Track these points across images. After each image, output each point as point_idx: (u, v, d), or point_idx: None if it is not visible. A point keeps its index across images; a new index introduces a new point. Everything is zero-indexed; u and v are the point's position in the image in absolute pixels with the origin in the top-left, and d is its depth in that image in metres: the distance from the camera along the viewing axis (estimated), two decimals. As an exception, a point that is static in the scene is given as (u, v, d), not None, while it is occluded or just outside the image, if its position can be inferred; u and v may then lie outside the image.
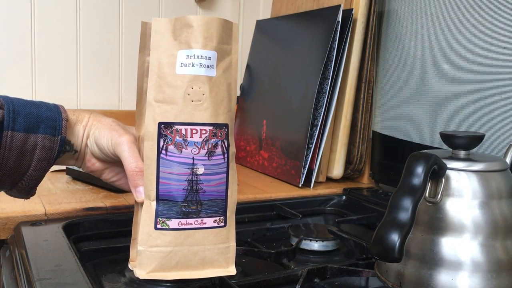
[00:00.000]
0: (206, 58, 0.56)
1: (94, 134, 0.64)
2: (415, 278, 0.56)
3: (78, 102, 1.53)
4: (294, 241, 0.79)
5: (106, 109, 1.52)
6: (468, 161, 0.58)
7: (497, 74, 0.83)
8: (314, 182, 1.06)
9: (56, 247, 0.69)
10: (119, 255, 0.72)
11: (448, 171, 0.56)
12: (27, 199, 0.66)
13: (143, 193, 0.58)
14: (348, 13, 1.05)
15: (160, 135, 0.55)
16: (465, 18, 0.88)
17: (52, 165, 0.63)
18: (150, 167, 0.56)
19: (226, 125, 0.57)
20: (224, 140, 0.57)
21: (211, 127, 0.56)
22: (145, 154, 0.57)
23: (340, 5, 1.05)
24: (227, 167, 0.57)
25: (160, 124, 0.55)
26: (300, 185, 1.05)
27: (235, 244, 0.59)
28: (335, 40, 1.04)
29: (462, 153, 0.60)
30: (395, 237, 0.51)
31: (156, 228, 0.56)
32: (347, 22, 1.05)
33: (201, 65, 0.55)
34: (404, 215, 0.51)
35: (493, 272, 0.54)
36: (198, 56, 0.55)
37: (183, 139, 0.55)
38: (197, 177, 0.55)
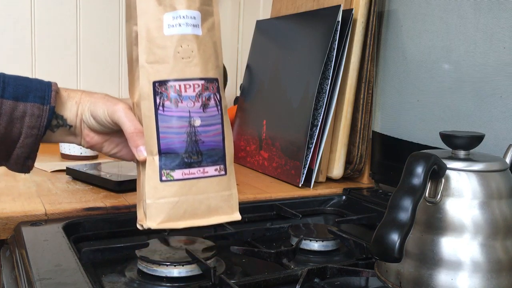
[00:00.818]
0: (191, 17, 0.59)
1: (90, 108, 0.66)
2: (415, 278, 0.56)
3: (78, 102, 1.53)
4: (294, 241, 0.79)
5: (106, 109, 1.52)
6: (468, 161, 0.58)
7: (497, 74, 0.83)
8: (314, 182, 1.06)
9: (56, 247, 0.69)
10: (119, 255, 0.72)
11: (448, 171, 0.56)
12: (26, 173, 0.68)
13: (145, 152, 0.60)
14: (348, 13, 1.05)
15: (155, 93, 0.58)
16: (466, 18, 0.88)
17: (44, 134, 0.64)
18: (149, 124, 0.59)
19: (216, 80, 0.60)
20: (216, 94, 0.60)
21: (202, 82, 0.59)
22: (143, 113, 0.59)
23: (340, 5, 1.05)
24: (222, 118, 0.60)
25: (154, 83, 0.58)
26: (300, 185, 1.05)
27: (236, 191, 0.62)
28: (335, 40, 1.04)
29: (462, 153, 0.60)
30: (395, 237, 0.51)
31: (161, 180, 0.59)
32: (347, 22, 1.05)
33: (187, 25, 0.58)
34: (404, 215, 0.51)
35: (493, 272, 0.54)
36: (183, 16, 0.58)
37: (178, 94, 0.58)
38: (195, 129, 0.58)
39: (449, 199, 0.56)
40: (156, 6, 0.58)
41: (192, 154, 0.59)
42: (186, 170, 0.59)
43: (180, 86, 0.58)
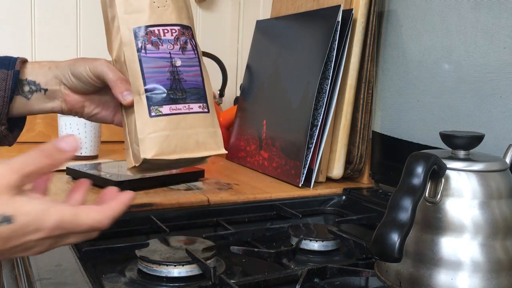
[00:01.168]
0: None
1: (70, 68, 0.67)
2: (414, 278, 0.56)
3: (78, 102, 1.53)
4: (294, 241, 0.79)
5: (106, 109, 1.52)
6: (468, 161, 0.58)
7: (497, 74, 0.83)
8: (314, 182, 1.06)
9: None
10: (119, 255, 0.72)
11: (448, 171, 0.57)
12: (9, 145, 0.70)
13: (130, 95, 0.63)
14: (348, 13, 1.05)
15: (136, 39, 0.62)
16: (466, 18, 0.88)
17: (11, 97, 0.65)
18: (133, 67, 0.62)
19: (190, 28, 0.65)
20: (192, 39, 0.65)
21: (179, 27, 0.63)
22: (127, 58, 0.63)
23: (340, 5, 1.05)
24: (199, 61, 0.65)
25: (135, 29, 0.62)
26: (300, 185, 1.05)
27: (220, 130, 0.66)
28: (335, 40, 1.04)
29: (462, 153, 0.60)
30: (395, 237, 0.51)
31: (151, 116, 0.62)
32: (347, 22, 1.05)
33: None
34: (404, 215, 0.51)
35: (493, 272, 0.54)
36: None
37: (158, 38, 0.62)
38: (176, 68, 0.63)
39: (449, 199, 0.56)
40: None
41: (177, 91, 0.63)
42: (173, 106, 0.62)
43: (159, 30, 0.62)
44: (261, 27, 1.36)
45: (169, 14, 0.63)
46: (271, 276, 0.65)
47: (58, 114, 1.27)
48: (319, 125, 1.05)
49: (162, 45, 0.62)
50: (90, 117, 0.71)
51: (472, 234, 0.55)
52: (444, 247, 0.55)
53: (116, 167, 1.08)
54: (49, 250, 0.47)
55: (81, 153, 1.24)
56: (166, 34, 0.62)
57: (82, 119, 1.24)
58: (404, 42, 1.02)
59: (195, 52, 0.64)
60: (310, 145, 1.05)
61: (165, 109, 0.62)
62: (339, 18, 1.05)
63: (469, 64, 0.88)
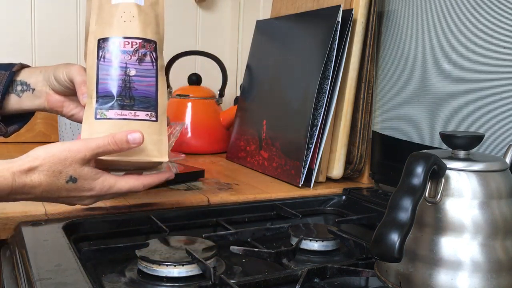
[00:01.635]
0: None
1: (53, 72, 0.77)
2: (415, 278, 0.56)
3: (78, 102, 1.53)
4: (294, 241, 0.79)
5: (106, 109, 1.52)
6: (468, 161, 0.58)
7: (497, 74, 0.83)
8: (314, 182, 1.06)
9: (56, 247, 0.69)
10: (119, 255, 0.72)
11: (448, 171, 0.57)
12: (4, 137, 0.81)
13: (86, 98, 0.70)
14: (348, 13, 1.05)
15: (99, 48, 0.68)
16: (466, 18, 0.88)
17: (4, 93, 0.77)
18: (91, 73, 0.68)
19: (154, 42, 0.70)
20: (153, 52, 0.69)
21: (140, 40, 0.68)
22: (88, 65, 0.69)
23: (340, 5, 1.05)
24: (156, 73, 0.69)
25: (99, 40, 0.68)
26: (300, 185, 1.05)
27: (166, 139, 0.69)
28: (335, 40, 1.04)
29: (462, 153, 0.60)
30: (395, 237, 0.51)
31: (96, 118, 0.67)
32: (347, 22, 1.05)
33: None
34: (404, 215, 0.51)
35: (493, 272, 0.54)
36: None
37: (118, 49, 0.68)
38: (129, 78, 0.67)
39: (449, 199, 0.56)
40: None
41: (125, 98, 0.67)
42: (119, 111, 0.67)
43: (120, 42, 0.68)
44: (261, 27, 1.36)
45: (133, 28, 0.68)
46: (271, 276, 0.65)
47: (58, 115, 1.27)
48: (319, 125, 1.05)
49: (120, 56, 0.67)
50: (69, 117, 0.81)
51: (472, 234, 0.55)
52: (444, 247, 0.55)
53: (116, 167, 1.08)
54: (96, 202, 0.69)
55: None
56: (126, 46, 0.67)
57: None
58: (404, 42, 1.02)
59: (154, 64, 0.68)
60: (310, 145, 1.05)
61: (111, 113, 0.67)
62: (339, 18, 1.05)
63: (469, 64, 0.88)
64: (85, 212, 0.83)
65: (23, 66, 0.81)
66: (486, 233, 0.55)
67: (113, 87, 0.67)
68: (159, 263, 0.67)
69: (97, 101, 0.67)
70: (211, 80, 1.54)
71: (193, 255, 0.68)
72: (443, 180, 0.56)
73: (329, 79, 1.05)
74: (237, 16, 1.73)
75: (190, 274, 0.67)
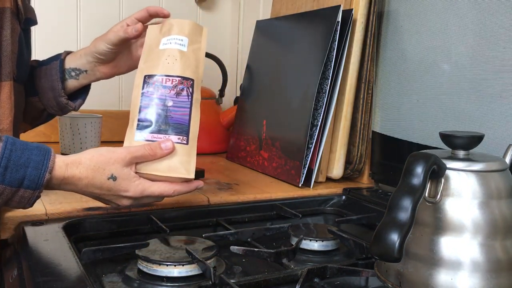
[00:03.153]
0: (179, 39, 0.82)
1: (95, 51, 0.89)
2: (415, 278, 0.56)
3: (78, 102, 1.53)
4: (294, 241, 0.79)
5: (106, 109, 1.52)
6: (468, 161, 0.58)
7: (497, 74, 0.83)
8: (314, 182, 1.06)
9: (56, 247, 0.69)
10: (119, 255, 0.72)
11: (447, 171, 0.57)
12: (74, 111, 0.95)
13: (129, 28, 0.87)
14: (348, 13, 1.05)
15: (144, 82, 0.80)
16: (465, 18, 0.88)
17: (63, 79, 0.91)
18: (135, 101, 0.79)
19: (192, 79, 0.80)
20: (189, 88, 0.79)
21: (179, 78, 0.79)
22: (133, 95, 0.79)
23: (340, 6, 1.05)
24: (191, 105, 0.79)
25: (145, 76, 0.80)
26: (300, 185, 1.05)
27: (195, 160, 0.78)
28: (335, 40, 1.04)
29: (461, 153, 0.60)
30: (394, 237, 0.51)
31: (135, 140, 0.76)
32: (347, 22, 1.05)
33: (176, 44, 0.81)
34: (403, 215, 0.52)
35: (493, 272, 0.54)
36: (173, 39, 0.82)
37: (160, 84, 0.79)
38: (167, 107, 0.78)
39: (449, 199, 0.56)
40: (158, 33, 0.84)
41: (162, 124, 0.77)
42: (155, 135, 0.77)
43: (162, 79, 0.79)
44: (261, 27, 1.36)
45: (174, 69, 0.79)
46: (271, 276, 0.65)
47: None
48: (319, 125, 1.05)
49: (161, 90, 0.78)
50: (126, 71, 0.94)
51: (471, 234, 0.55)
52: (444, 247, 0.55)
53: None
54: (132, 205, 0.76)
55: (81, 153, 1.24)
56: (167, 82, 0.79)
57: (81, 120, 1.25)
58: (404, 42, 1.03)
59: (189, 98, 0.79)
60: (310, 145, 1.06)
61: (148, 136, 0.76)
62: (339, 18, 1.05)
63: (469, 64, 0.88)
64: (85, 212, 0.83)
65: (68, 53, 0.93)
66: (486, 233, 0.55)
67: (153, 114, 0.77)
68: (159, 263, 0.67)
69: (137, 126, 0.77)
70: (211, 80, 1.54)
71: (193, 255, 0.68)
72: (443, 180, 0.57)
73: (329, 79, 1.05)
74: (237, 16, 1.73)
75: (190, 274, 0.67)
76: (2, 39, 0.78)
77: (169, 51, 0.80)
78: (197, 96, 0.80)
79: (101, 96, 1.55)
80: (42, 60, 0.95)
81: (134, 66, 0.92)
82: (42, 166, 0.65)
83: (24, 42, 0.85)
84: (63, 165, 0.68)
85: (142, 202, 0.76)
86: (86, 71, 0.92)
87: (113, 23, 0.90)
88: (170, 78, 0.79)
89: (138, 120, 0.78)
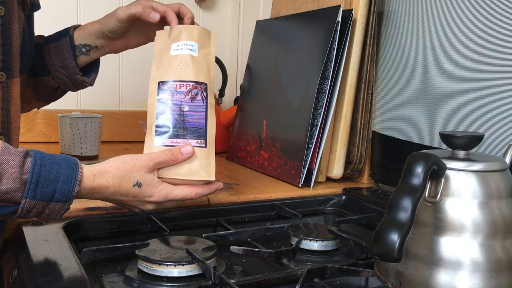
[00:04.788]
0: (189, 45, 0.83)
1: (104, 28, 0.90)
2: (415, 278, 0.56)
3: (79, 103, 1.53)
4: (294, 241, 0.79)
5: (106, 109, 1.52)
6: (468, 161, 0.58)
7: (496, 74, 0.83)
8: (314, 182, 1.06)
9: (56, 247, 0.69)
10: (119, 255, 0.72)
11: (447, 171, 0.57)
12: (90, 86, 0.96)
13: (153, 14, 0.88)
14: (348, 14, 1.05)
15: (158, 89, 0.81)
16: (465, 18, 0.88)
17: (75, 55, 0.91)
18: (151, 109, 0.80)
19: (205, 84, 0.82)
20: (203, 92, 0.81)
21: (193, 83, 0.80)
22: (148, 102, 0.80)
23: (340, 6, 1.05)
24: (206, 109, 0.81)
25: (159, 82, 0.81)
26: (300, 185, 1.05)
27: (214, 162, 0.80)
28: (335, 40, 1.04)
29: (461, 153, 0.60)
30: (394, 237, 0.51)
31: (155, 145, 0.78)
32: (347, 23, 1.05)
33: (186, 49, 0.82)
34: (403, 215, 0.52)
35: (493, 272, 0.54)
36: (184, 44, 0.83)
37: (174, 90, 0.80)
38: (183, 113, 0.79)
39: (449, 199, 0.56)
40: (167, 39, 0.85)
41: (180, 129, 0.79)
42: (174, 140, 0.78)
43: (176, 84, 0.80)
44: (261, 27, 1.36)
45: (187, 74, 0.81)
46: (271, 276, 0.65)
47: (58, 115, 1.28)
48: (319, 125, 1.05)
49: (176, 95, 0.80)
50: (137, 45, 0.96)
51: (471, 234, 0.55)
52: (444, 247, 0.55)
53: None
54: (155, 209, 0.77)
55: (81, 153, 1.24)
56: (181, 88, 0.80)
57: (81, 120, 1.25)
58: (404, 42, 1.03)
59: (204, 102, 0.81)
60: (310, 145, 1.06)
61: (167, 141, 0.78)
62: (339, 18, 1.05)
63: (469, 64, 0.88)
64: (85, 212, 0.83)
65: (75, 27, 0.93)
66: (486, 233, 0.55)
67: (169, 120, 0.79)
68: (159, 263, 0.67)
69: (156, 132, 0.79)
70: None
71: (193, 255, 0.68)
72: (443, 180, 0.57)
73: (329, 79, 1.05)
74: (237, 16, 1.73)
75: (190, 274, 0.67)
76: (11, 33, 0.76)
77: (180, 57, 0.81)
78: (211, 100, 0.82)
79: (101, 96, 1.55)
80: (48, 36, 0.94)
81: (144, 42, 0.95)
82: (71, 179, 0.66)
83: (27, 32, 0.83)
84: (90, 175, 0.68)
85: (165, 206, 0.77)
86: (96, 46, 0.93)
87: (113, 8, 0.90)
88: (184, 83, 0.80)
89: (156, 126, 0.79)
